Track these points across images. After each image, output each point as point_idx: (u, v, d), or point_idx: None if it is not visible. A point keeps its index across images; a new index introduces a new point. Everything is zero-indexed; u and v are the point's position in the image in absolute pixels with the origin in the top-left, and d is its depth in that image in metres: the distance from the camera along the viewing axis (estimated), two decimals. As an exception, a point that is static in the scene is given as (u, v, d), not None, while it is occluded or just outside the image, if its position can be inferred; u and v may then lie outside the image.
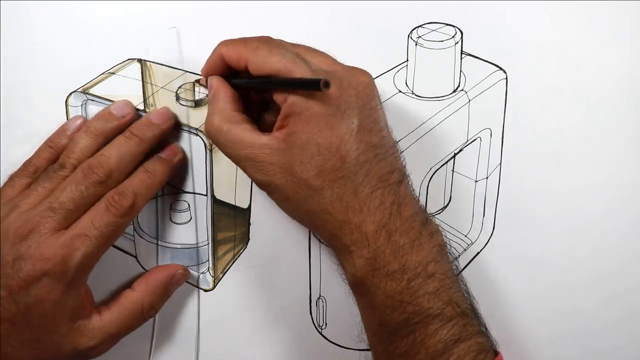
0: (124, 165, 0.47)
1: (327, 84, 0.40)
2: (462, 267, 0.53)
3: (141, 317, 0.50)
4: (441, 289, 0.43)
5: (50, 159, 0.49)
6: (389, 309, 0.43)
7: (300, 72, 0.43)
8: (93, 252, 0.46)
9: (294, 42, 0.47)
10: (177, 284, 0.52)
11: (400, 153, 0.46)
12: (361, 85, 0.43)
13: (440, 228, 0.46)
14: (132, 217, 0.47)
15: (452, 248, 0.54)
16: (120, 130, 0.49)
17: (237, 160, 0.45)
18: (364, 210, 0.43)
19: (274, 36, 0.49)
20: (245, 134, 0.44)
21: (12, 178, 0.49)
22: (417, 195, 0.47)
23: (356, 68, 0.45)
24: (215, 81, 0.47)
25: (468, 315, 0.44)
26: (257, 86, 0.46)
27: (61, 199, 0.46)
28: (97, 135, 0.48)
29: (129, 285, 0.51)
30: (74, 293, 0.46)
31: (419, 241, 0.43)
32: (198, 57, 0.50)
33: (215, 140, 0.46)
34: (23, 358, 0.46)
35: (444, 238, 0.45)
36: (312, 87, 0.41)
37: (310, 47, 0.46)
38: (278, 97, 0.44)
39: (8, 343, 0.45)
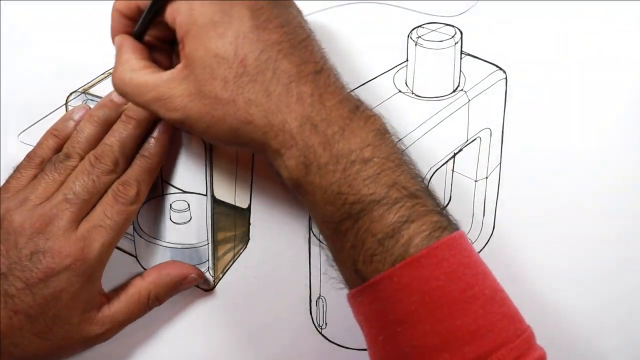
0: (127, 151, 0.48)
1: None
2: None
3: (146, 307, 0.51)
4: (382, 173, 0.41)
5: (55, 148, 0.50)
6: (329, 203, 0.42)
7: None
8: (109, 242, 0.47)
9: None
10: (187, 286, 0.52)
11: (351, 91, 0.44)
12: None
13: (379, 114, 0.43)
14: (141, 202, 0.48)
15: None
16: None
17: (147, 105, 0.43)
18: (282, 108, 0.41)
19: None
20: (148, 76, 0.43)
21: (18, 170, 0.49)
22: None
23: None
24: (118, 38, 0.46)
25: (418, 197, 0.42)
26: (149, 17, 0.44)
27: (75, 190, 0.46)
28: (101, 123, 0.49)
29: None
30: (91, 285, 0.47)
31: (349, 127, 0.41)
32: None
33: (122, 92, 0.44)
34: (33, 348, 0.46)
35: (384, 122, 0.43)
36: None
37: None
38: (169, 18, 0.43)
39: (21, 334, 0.45)
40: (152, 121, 0.49)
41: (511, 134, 0.51)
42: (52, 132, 0.50)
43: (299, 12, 0.44)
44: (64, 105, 0.52)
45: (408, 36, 0.50)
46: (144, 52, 0.45)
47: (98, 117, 0.49)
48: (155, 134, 0.49)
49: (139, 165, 0.48)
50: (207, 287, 0.54)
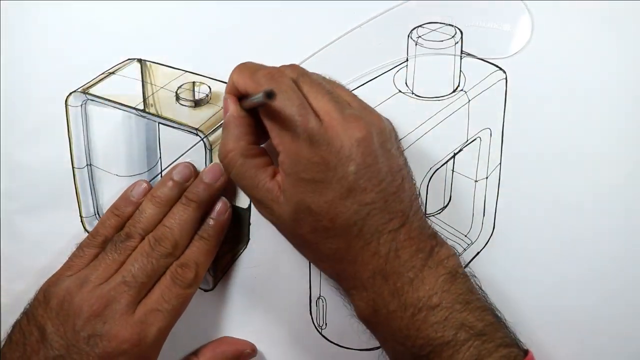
0: (185, 233, 0.48)
1: (270, 95, 0.39)
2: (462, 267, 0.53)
3: None
4: (450, 317, 0.43)
5: (117, 227, 0.50)
6: (398, 343, 0.44)
7: (295, 134, 0.42)
8: (167, 326, 0.47)
9: (292, 44, 0.47)
10: None
11: (412, 192, 0.45)
12: (355, 143, 0.42)
13: (453, 252, 0.45)
14: (198, 285, 0.49)
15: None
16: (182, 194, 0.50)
17: (249, 195, 0.46)
18: (357, 260, 0.43)
19: (274, 35, 0.49)
20: (257, 173, 0.44)
21: (81, 248, 0.49)
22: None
23: (356, 120, 0.43)
24: (232, 105, 0.46)
25: (486, 333, 0.44)
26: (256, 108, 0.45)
27: (134, 272, 0.47)
28: (162, 203, 0.49)
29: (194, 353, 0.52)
30: None
31: (420, 277, 0.43)
32: (198, 57, 0.50)
33: (227, 169, 0.46)
34: None
35: (456, 261, 0.45)
36: (261, 103, 0.41)
37: (315, 85, 0.44)
38: (274, 141, 0.44)
39: None
40: (212, 203, 0.49)
41: (511, 134, 0.51)
42: (113, 211, 0.50)
43: (398, 144, 0.46)
44: (65, 105, 0.52)
45: (408, 36, 0.50)
46: (254, 132, 0.46)
47: (159, 197, 0.49)
48: (213, 215, 0.49)
49: (197, 247, 0.49)
50: (207, 287, 0.54)
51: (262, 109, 0.44)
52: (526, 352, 0.45)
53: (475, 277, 0.47)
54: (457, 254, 0.46)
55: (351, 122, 0.43)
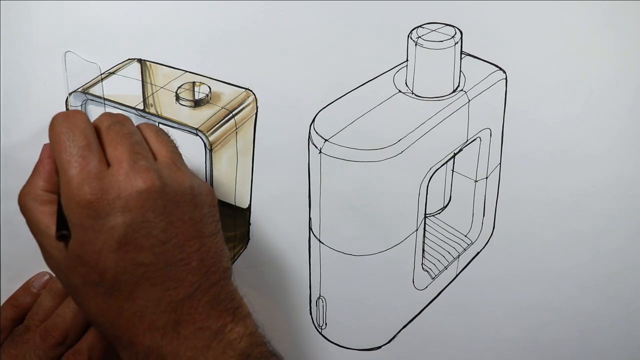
0: (79, 322, 0.47)
1: (62, 237, 0.39)
2: (462, 267, 0.54)
3: None
4: None
5: (15, 319, 0.49)
6: None
7: (70, 174, 0.40)
8: None
9: (292, 44, 0.47)
10: None
11: (212, 264, 0.42)
12: (135, 194, 0.39)
13: (252, 330, 0.42)
14: None
15: (452, 248, 0.54)
16: None
17: (35, 239, 0.43)
18: (131, 329, 0.40)
19: (274, 35, 0.49)
20: (42, 217, 0.42)
21: None
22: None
23: (145, 171, 0.40)
24: (44, 151, 0.45)
25: None
26: None
27: None
28: (60, 295, 0.49)
29: None
30: None
31: (200, 359, 0.40)
32: (198, 57, 0.50)
33: (20, 210, 0.44)
34: None
35: (252, 339, 0.42)
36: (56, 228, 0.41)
37: (120, 134, 0.42)
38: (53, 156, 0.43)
39: None
40: None
41: (511, 134, 0.51)
42: (11, 302, 0.50)
43: (210, 212, 0.42)
44: (65, 105, 0.52)
45: (408, 36, 0.50)
46: (51, 178, 0.44)
47: (58, 289, 0.49)
48: None
49: (93, 333, 0.47)
50: (207, 287, 0.54)
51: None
52: None
53: (277, 354, 0.44)
54: (260, 330, 0.43)
55: (139, 172, 0.40)
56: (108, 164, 0.41)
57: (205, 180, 0.52)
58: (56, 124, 0.43)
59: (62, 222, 0.41)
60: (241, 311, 0.43)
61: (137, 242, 0.39)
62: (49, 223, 0.42)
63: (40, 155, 0.45)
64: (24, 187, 0.44)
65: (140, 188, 0.39)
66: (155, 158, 0.43)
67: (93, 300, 0.41)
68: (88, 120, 0.43)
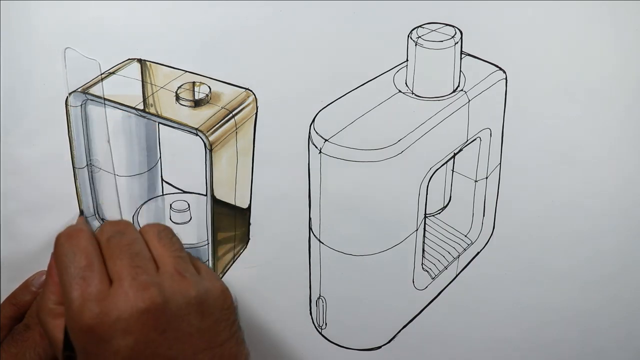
0: None
1: (68, 358, 0.39)
2: (462, 267, 0.54)
3: None
4: None
5: (14, 317, 0.49)
6: None
7: (70, 298, 0.40)
8: None
9: (292, 44, 0.46)
10: None
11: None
12: (135, 315, 0.39)
13: None
14: None
15: (452, 248, 0.54)
16: None
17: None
18: None
19: (274, 35, 0.49)
20: (55, 332, 0.42)
21: None
22: None
23: (145, 288, 0.40)
24: (50, 264, 0.45)
25: None
26: None
27: None
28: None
29: None
30: None
31: None
32: (199, 57, 0.50)
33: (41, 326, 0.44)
34: None
35: None
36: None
37: (120, 246, 0.42)
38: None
39: None
40: None
41: (511, 134, 0.51)
42: (10, 300, 0.49)
43: (226, 316, 0.42)
44: (65, 106, 0.52)
45: (408, 36, 0.50)
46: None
47: None
48: None
49: None
50: (207, 287, 0.54)
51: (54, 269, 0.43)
52: None
53: None
54: None
55: (138, 290, 0.39)
56: (110, 280, 0.41)
57: (205, 180, 0.51)
58: (58, 245, 0.42)
59: (68, 341, 0.40)
60: None
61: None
62: (60, 339, 0.42)
63: (48, 268, 0.45)
64: (39, 301, 0.44)
65: (140, 308, 0.39)
66: (157, 267, 0.42)
67: None
68: (91, 236, 0.42)
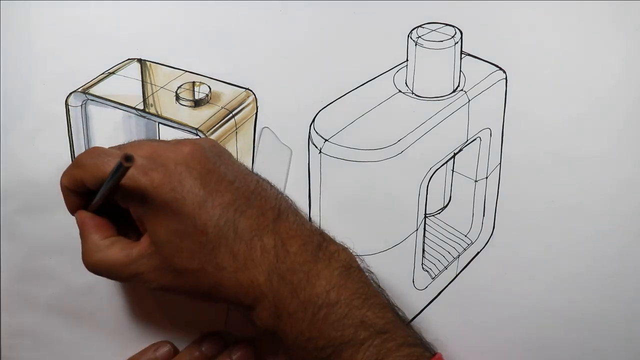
0: None
1: (128, 158, 0.39)
2: (462, 267, 0.54)
3: None
4: (349, 314, 0.42)
5: None
6: (301, 349, 0.43)
7: (130, 175, 0.41)
8: None
9: (292, 44, 0.47)
10: None
11: (275, 192, 0.45)
12: (186, 157, 0.43)
13: (342, 244, 0.45)
14: None
15: (452, 248, 0.54)
16: None
17: (125, 281, 0.45)
18: (248, 265, 0.42)
19: (274, 35, 0.49)
20: (117, 255, 0.44)
21: None
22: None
23: (179, 142, 0.44)
24: (78, 216, 0.46)
25: (387, 331, 0.43)
26: (103, 199, 0.44)
27: None
28: None
29: None
30: None
31: (314, 270, 0.43)
32: (199, 57, 0.50)
33: (97, 273, 0.45)
34: None
35: (349, 254, 0.45)
36: (121, 171, 0.40)
37: (137, 142, 0.46)
38: (124, 204, 0.43)
39: None
40: None
41: (511, 134, 0.51)
42: None
43: (235, 157, 0.46)
44: (65, 105, 0.52)
45: (408, 36, 0.50)
46: (105, 226, 0.45)
47: None
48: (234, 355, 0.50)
49: None
50: (207, 287, 0.54)
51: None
52: (434, 354, 0.44)
53: (372, 272, 0.46)
54: (349, 248, 0.45)
55: (176, 144, 0.44)
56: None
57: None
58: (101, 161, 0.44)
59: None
60: (325, 232, 0.46)
61: (215, 189, 0.42)
62: (126, 253, 0.43)
63: (79, 226, 0.46)
64: (84, 251, 0.45)
65: (187, 151, 0.43)
66: None
67: (207, 262, 0.42)
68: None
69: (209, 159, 0.43)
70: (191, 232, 0.41)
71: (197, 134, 0.50)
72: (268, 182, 0.46)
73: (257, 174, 0.46)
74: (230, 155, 0.46)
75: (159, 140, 0.45)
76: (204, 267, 0.42)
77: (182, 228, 0.41)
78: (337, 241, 0.46)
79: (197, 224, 0.41)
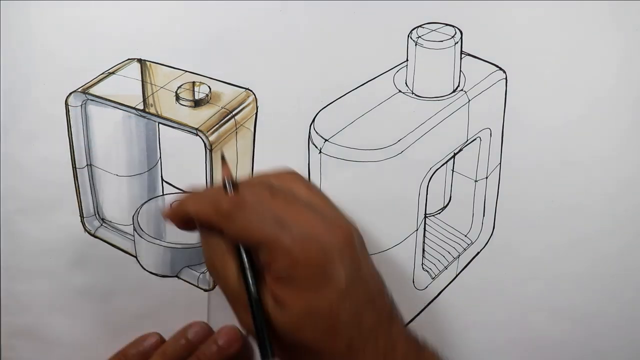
0: None
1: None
2: (462, 267, 0.54)
3: None
4: None
5: None
6: None
7: (283, 241, 0.41)
8: None
9: (292, 44, 0.47)
10: None
11: (387, 290, 0.45)
12: (343, 247, 0.42)
13: (436, 351, 0.46)
14: None
15: (452, 248, 0.54)
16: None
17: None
18: (359, 356, 0.42)
19: (274, 35, 0.49)
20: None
21: None
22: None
23: (338, 222, 0.43)
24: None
25: None
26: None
27: None
28: None
29: None
30: None
31: None
32: (199, 57, 0.50)
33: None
34: None
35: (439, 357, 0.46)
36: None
37: (293, 195, 0.43)
38: (263, 260, 0.42)
39: None
40: None
41: (511, 134, 0.51)
42: (120, 358, 0.50)
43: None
44: (65, 105, 0.52)
45: (408, 36, 0.50)
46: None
47: (170, 356, 0.49)
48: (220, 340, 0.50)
49: None
50: (207, 287, 0.54)
51: None
52: None
53: None
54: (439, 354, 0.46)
55: (336, 225, 0.42)
56: None
57: (205, 180, 0.52)
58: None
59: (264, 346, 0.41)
60: (419, 337, 0.46)
61: (355, 281, 0.42)
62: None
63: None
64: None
65: (342, 241, 0.42)
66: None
67: (326, 347, 0.42)
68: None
69: (356, 256, 0.43)
70: (325, 315, 0.41)
71: (197, 134, 0.50)
72: (385, 284, 0.46)
73: (378, 274, 0.45)
74: (366, 248, 0.45)
75: (317, 214, 0.43)
76: (322, 349, 0.42)
77: (318, 310, 0.41)
78: (428, 344, 0.47)
79: (333, 309, 0.41)
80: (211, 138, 0.50)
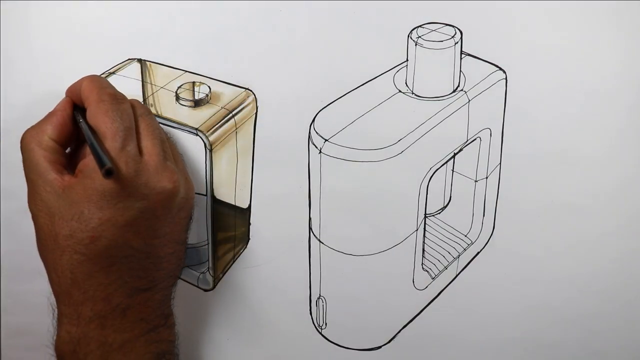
0: None
1: (108, 172, 0.40)
2: (462, 267, 0.54)
3: None
4: None
5: None
6: None
7: (111, 145, 0.42)
8: None
9: (292, 44, 0.46)
10: None
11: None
12: (158, 189, 0.43)
13: (174, 338, 0.47)
14: None
15: (452, 248, 0.54)
16: None
17: (27, 179, 0.45)
18: (89, 293, 0.43)
19: (274, 35, 0.49)
20: (42, 160, 0.44)
21: None
22: None
23: (169, 172, 0.44)
24: (61, 104, 0.47)
25: None
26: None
27: None
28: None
29: None
30: None
31: (131, 344, 0.44)
32: (199, 57, 0.50)
33: (21, 149, 0.46)
34: None
35: (170, 347, 0.46)
36: (100, 163, 0.41)
37: (152, 127, 0.46)
38: (89, 148, 0.44)
39: None
40: None
41: (511, 134, 0.51)
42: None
43: (187, 217, 0.47)
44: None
45: (408, 36, 0.50)
46: (64, 133, 0.46)
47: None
48: None
49: None
50: (207, 287, 0.54)
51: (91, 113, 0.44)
52: None
53: None
54: (177, 341, 0.48)
55: (166, 171, 0.44)
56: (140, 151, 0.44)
57: (205, 180, 0.52)
58: (106, 98, 0.45)
59: (100, 160, 0.41)
60: (171, 319, 0.48)
61: (138, 230, 0.43)
62: (48, 167, 0.44)
63: (56, 107, 0.47)
64: (31, 129, 0.46)
65: (165, 187, 0.43)
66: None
67: (69, 254, 0.42)
68: (130, 107, 0.45)
69: (168, 208, 0.44)
70: (88, 227, 0.42)
71: (197, 134, 0.50)
72: (180, 259, 0.47)
73: (183, 247, 0.47)
74: (187, 215, 0.47)
75: (165, 150, 0.46)
76: (65, 252, 0.43)
77: (87, 216, 0.42)
78: (174, 330, 0.48)
79: (98, 229, 0.42)
80: (211, 138, 0.50)
